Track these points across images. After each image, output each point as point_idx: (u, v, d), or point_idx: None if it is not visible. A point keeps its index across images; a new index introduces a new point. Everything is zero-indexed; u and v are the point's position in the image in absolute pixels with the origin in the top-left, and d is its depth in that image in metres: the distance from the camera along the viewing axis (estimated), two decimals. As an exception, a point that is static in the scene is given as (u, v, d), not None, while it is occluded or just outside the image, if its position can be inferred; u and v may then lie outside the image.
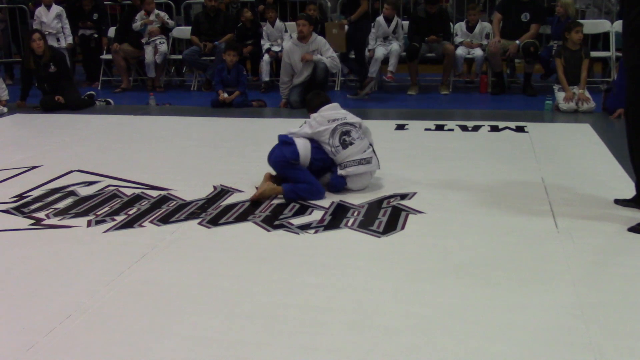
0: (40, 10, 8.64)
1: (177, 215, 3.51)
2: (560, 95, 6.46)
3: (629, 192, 3.73)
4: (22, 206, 3.74)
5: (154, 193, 3.91)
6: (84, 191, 4.00)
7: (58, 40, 8.58)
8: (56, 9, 8.64)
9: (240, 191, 3.89)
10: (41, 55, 7.04)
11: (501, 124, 5.72)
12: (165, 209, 3.62)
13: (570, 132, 5.55)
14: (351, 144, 3.79)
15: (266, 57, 8.28)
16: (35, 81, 7.28)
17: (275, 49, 8.27)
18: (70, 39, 8.76)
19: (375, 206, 3.59)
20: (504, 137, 5.34)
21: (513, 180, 4.03)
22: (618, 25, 7.46)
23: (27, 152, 5.06)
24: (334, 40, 7.48)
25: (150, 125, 6.26)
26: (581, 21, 7.13)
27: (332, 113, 3.90)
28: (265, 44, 8.38)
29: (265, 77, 8.33)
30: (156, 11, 8.56)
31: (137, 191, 3.96)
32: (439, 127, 5.73)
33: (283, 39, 8.22)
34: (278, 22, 8.40)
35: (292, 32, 8.00)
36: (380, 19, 7.94)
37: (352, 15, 7.56)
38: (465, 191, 3.84)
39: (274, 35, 8.39)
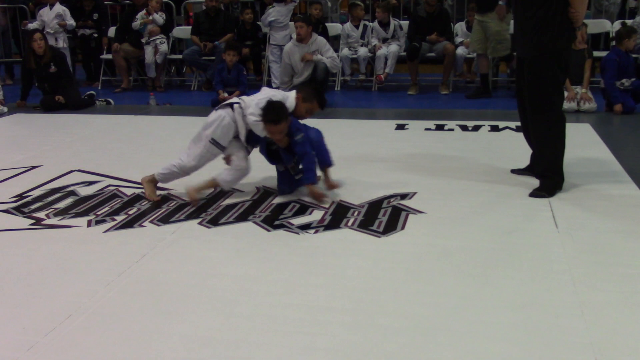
0: (45, 10, 8.63)
1: (177, 215, 3.51)
2: (561, 95, 6.44)
3: (630, 192, 3.74)
4: (22, 206, 3.74)
5: (154, 193, 3.91)
6: (84, 191, 4.00)
7: (56, 40, 8.57)
8: (58, 8, 8.63)
9: (241, 191, 3.89)
10: (42, 55, 7.05)
11: (501, 124, 5.72)
12: (165, 209, 3.62)
13: (571, 132, 5.46)
14: None
15: (275, 65, 8.19)
16: (35, 81, 7.28)
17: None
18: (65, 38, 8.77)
19: (375, 206, 3.59)
20: (504, 137, 5.33)
21: (513, 181, 4.03)
22: (618, 26, 7.45)
23: (27, 152, 5.06)
24: None
25: (150, 125, 6.26)
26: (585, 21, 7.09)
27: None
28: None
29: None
30: (159, 12, 8.55)
31: (137, 191, 3.95)
32: (439, 127, 5.73)
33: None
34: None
35: (292, 33, 7.99)
36: (375, 24, 8.14)
37: None
38: (465, 191, 3.84)
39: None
